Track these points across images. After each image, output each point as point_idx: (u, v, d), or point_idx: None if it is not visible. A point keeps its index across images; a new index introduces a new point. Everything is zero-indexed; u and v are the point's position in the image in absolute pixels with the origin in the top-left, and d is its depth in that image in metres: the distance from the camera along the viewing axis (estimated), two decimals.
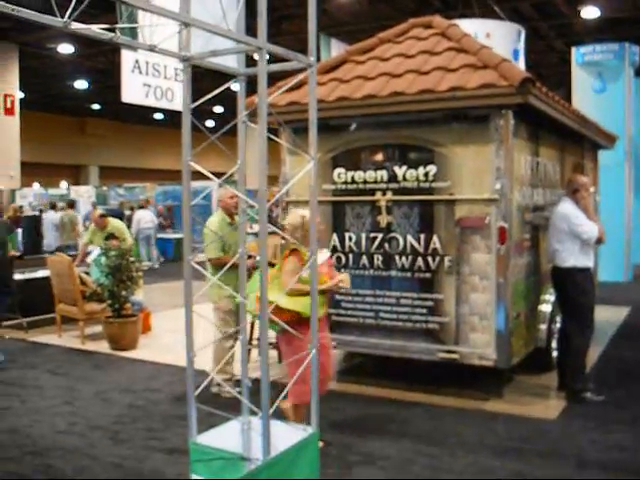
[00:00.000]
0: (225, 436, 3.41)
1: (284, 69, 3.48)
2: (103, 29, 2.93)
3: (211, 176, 3.31)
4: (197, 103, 3.29)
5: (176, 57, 3.23)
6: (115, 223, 10.18)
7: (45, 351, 8.65)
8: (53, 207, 19.88)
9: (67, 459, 5.04)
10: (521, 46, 13.19)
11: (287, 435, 3.42)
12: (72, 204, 19.59)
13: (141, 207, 19.84)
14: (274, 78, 4.60)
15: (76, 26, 2.67)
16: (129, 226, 18.69)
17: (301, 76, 3.55)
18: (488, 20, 12.56)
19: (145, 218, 18.99)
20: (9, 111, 22.37)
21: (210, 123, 35.47)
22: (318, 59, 4.42)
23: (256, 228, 17.78)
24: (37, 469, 4.87)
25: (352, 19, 18.88)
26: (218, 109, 33.34)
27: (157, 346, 8.77)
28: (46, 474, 4.78)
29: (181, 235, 21.27)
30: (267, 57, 3.21)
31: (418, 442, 5.24)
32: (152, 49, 3.11)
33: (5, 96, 22.33)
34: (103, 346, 8.63)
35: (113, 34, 2.97)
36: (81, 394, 6.69)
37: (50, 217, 18.50)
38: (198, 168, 3.25)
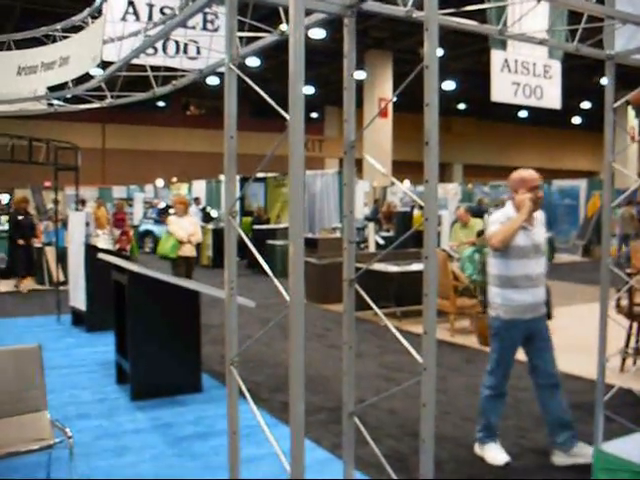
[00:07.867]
0: (630, 447, 3.24)
1: None
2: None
3: (634, 176, 3.19)
4: (618, 103, 3.20)
5: (599, 57, 3.19)
6: (476, 220, 10.45)
7: (416, 340, 9.09)
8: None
9: (442, 446, 5.26)
10: None
11: None
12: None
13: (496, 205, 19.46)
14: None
15: (509, 32, 2.80)
16: None
17: None
18: None
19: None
20: (384, 114, 24.01)
21: (577, 120, 34.13)
22: None
23: None
24: (412, 450, 5.16)
25: None
26: (585, 105, 31.91)
27: None
28: None
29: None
30: None
31: None
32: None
33: (379, 100, 24.02)
34: (472, 340, 8.82)
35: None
36: (452, 385, 6.93)
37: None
38: (620, 168, 3.16)
